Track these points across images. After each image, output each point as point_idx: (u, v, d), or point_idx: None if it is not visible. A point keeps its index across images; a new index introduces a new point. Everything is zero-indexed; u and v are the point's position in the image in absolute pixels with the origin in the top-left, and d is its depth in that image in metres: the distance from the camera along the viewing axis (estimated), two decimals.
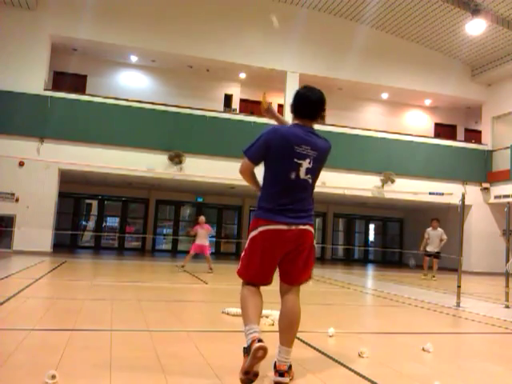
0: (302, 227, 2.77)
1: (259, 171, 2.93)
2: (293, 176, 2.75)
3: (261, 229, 2.75)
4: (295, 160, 2.75)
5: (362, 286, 9.62)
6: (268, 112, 3.10)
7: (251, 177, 2.94)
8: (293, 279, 2.83)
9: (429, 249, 12.50)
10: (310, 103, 2.87)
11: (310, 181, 2.83)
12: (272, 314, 4.42)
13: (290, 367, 2.73)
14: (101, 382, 2.60)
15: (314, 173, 2.84)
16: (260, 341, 2.49)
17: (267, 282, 2.84)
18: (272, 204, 2.77)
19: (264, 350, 2.45)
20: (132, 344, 3.52)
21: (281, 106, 15.80)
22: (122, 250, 18.37)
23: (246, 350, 2.56)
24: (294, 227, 2.74)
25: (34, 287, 6.36)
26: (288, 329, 2.75)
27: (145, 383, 2.64)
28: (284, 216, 2.73)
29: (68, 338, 3.50)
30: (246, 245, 2.84)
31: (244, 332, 2.64)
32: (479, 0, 14.14)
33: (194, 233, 10.53)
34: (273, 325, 4.25)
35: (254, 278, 2.82)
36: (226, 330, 4.30)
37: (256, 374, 2.50)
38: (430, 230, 12.59)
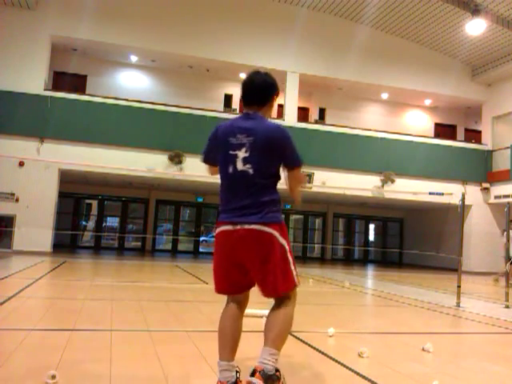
0: (248, 227, 2.41)
1: None
2: (230, 169, 2.48)
3: (215, 232, 2.54)
4: (230, 152, 2.48)
5: (362, 286, 9.62)
6: None
7: None
8: (264, 290, 2.50)
9: None
10: (253, 87, 2.60)
11: (251, 171, 2.44)
12: None
13: (272, 375, 2.36)
14: (101, 381, 2.60)
15: (257, 161, 2.44)
16: None
17: (233, 291, 2.53)
18: (222, 204, 2.55)
19: None
20: (132, 344, 3.52)
21: (281, 106, 15.79)
22: (122, 250, 18.37)
23: None
24: (239, 227, 2.41)
25: (34, 287, 6.36)
26: (268, 331, 2.44)
27: (145, 383, 2.64)
28: (230, 215, 2.46)
29: (68, 337, 3.50)
30: None
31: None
32: (479, 0, 14.14)
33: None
34: None
35: (220, 287, 2.55)
36: None
37: None
38: None
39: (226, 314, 2.50)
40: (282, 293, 2.46)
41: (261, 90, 2.60)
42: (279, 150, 2.49)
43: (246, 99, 2.62)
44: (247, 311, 4.88)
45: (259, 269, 2.43)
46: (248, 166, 2.45)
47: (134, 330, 4.03)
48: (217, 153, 2.58)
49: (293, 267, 2.50)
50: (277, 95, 2.70)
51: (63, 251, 14.29)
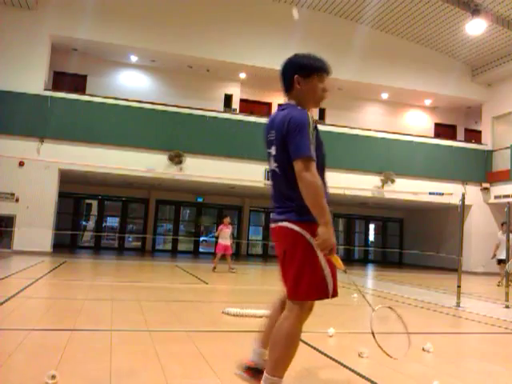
0: (279, 224, 2.31)
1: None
2: (268, 168, 2.43)
3: None
4: (268, 150, 2.39)
5: (362, 286, 9.61)
6: None
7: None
8: (285, 288, 2.34)
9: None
10: (280, 75, 2.45)
11: (278, 170, 2.31)
12: None
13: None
14: (101, 381, 2.59)
15: (280, 159, 2.29)
16: None
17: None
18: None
19: None
20: (132, 344, 3.51)
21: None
22: (122, 250, 18.37)
23: None
24: (273, 225, 2.37)
25: (34, 287, 6.36)
26: (269, 348, 2.30)
27: (145, 383, 2.64)
28: (273, 213, 2.41)
29: (68, 338, 3.50)
30: None
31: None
32: (479, 0, 14.14)
33: (219, 233, 10.65)
34: None
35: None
36: (226, 330, 4.29)
37: None
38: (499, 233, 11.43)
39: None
40: (291, 294, 2.27)
41: (281, 74, 2.43)
42: (285, 141, 2.24)
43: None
44: (247, 311, 4.89)
45: (280, 264, 2.33)
46: (275, 164, 2.33)
47: (134, 330, 4.02)
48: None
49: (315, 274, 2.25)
50: (304, 74, 2.34)
51: (63, 251, 14.28)
